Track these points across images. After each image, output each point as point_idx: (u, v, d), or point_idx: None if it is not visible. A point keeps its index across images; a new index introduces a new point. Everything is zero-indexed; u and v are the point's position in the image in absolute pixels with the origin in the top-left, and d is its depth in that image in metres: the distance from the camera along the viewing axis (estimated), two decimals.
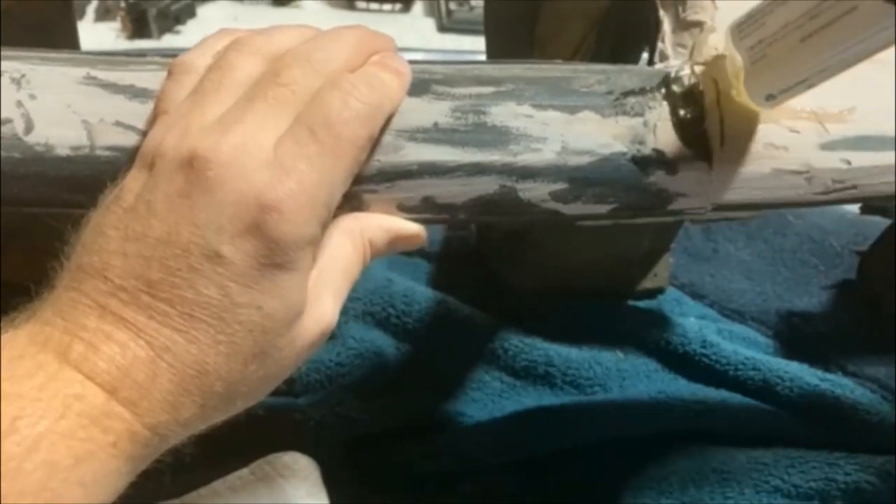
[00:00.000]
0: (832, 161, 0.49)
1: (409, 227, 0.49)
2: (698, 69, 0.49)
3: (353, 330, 0.89)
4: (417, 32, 1.60)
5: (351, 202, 0.47)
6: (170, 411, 0.41)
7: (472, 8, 1.66)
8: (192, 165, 0.42)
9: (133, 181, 0.44)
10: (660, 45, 0.51)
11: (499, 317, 0.92)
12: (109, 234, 0.42)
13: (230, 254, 0.41)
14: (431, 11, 1.74)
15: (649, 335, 0.92)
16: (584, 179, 0.48)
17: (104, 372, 0.40)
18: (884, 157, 0.49)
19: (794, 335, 0.94)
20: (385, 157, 0.46)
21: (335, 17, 1.53)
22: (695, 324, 0.93)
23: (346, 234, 0.47)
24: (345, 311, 0.89)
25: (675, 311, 0.95)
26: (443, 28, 1.63)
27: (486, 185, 0.48)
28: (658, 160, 0.48)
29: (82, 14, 1.53)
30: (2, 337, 0.41)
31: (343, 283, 0.47)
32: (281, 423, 0.85)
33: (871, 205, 0.78)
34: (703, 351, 0.90)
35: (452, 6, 1.66)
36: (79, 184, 0.47)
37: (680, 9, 0.51)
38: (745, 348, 0.92)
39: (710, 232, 1.02)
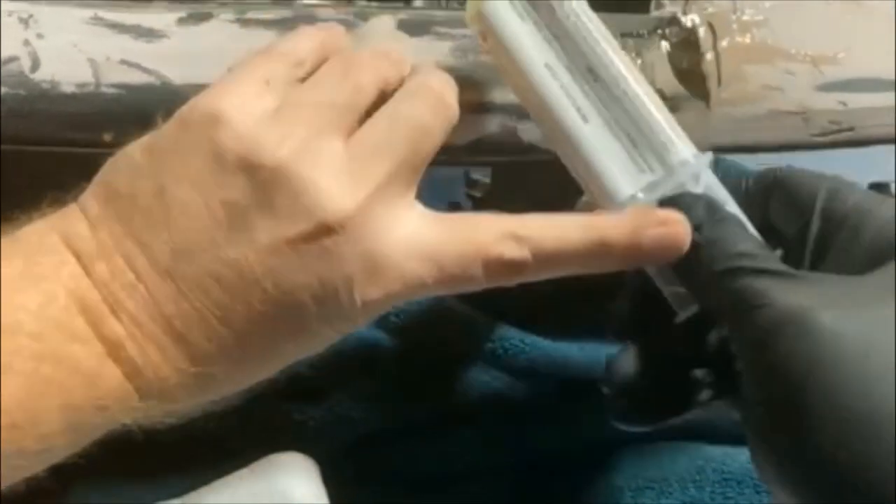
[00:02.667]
0: (828, 102, 0.50)
1: None
2: (694, 13, 0.50)
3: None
4: None
5: None
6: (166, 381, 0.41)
7: None
8: (260, 172, 0.40)
9: (228, 178, 0.40)
10: None
11: (499, 317, 0.92)
12: (189, 234, 0.40)
13: (312, 318, 0.41)
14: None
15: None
16: None
17: (142, 378, 0.39)
18: (879, 99, 0.50)
19: None
20: None
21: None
22: None
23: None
24: None
25: None
26: None
27: (488, 125, 0.49)
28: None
29: None
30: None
31: None
32: (281, 423, 0.85)
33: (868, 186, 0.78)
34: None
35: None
36: (83, 121, 0.47)
37: None
38: None
39: None
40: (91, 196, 0.41)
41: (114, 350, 0.39)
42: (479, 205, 0.85)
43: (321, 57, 0.44)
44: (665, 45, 0.49)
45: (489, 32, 0.45)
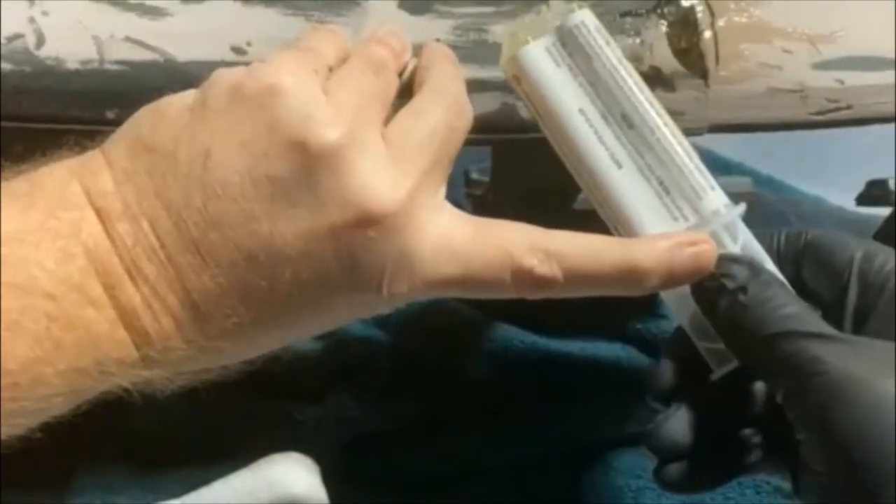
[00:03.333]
0: (825, 80, 0.50)
1: None
2: None
3: (352, 329, 0.89)
4: None
5: None
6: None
7: None
8: (304, 153, 0.39)
9: (242, 110, 0.40)
10: None
11: (498, 316, 0.92)
12: (224, 205, 0.39)
13: (322, 260, 0.39)
14: None
15: (649, 335, 0.92)
16: None
17: (150, 345, 0.39)
18: (876, 77, 0.50)
19: None
20: None
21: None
22: None
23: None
24: None
25: None
26: None
27: (488, 103, 0.49)
28: (656, 77, 0.49)
29: None
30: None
31: None
32: (281, 423, 0.85)
33: (869, 194, 0.78)
34: None
35: None
36: (87, 98, 0.48)
37: None
38: None
39: None
40: (120, 147, 0.40)
41: (127, 318, 0.38)
42: (480, 202, 0.85)
43: (343, 55, 0.44)
44: (663, 24, 0.50)
45: (524, 77, 0.45)
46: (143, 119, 0.40)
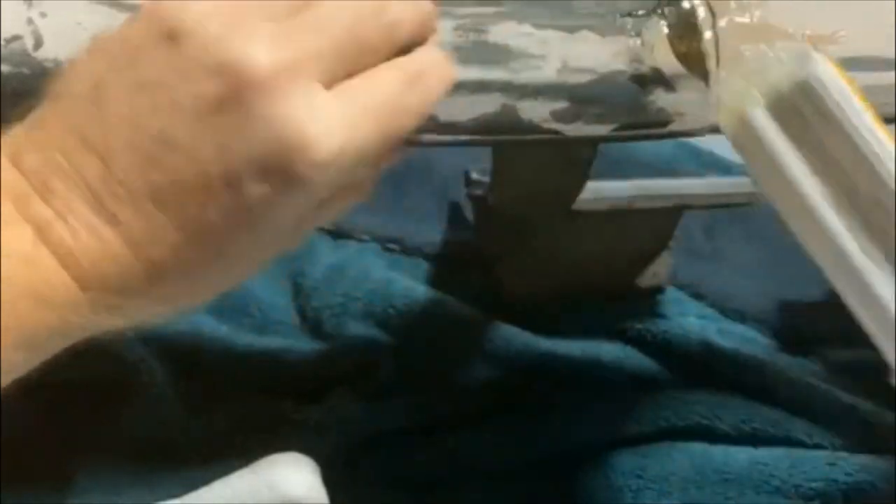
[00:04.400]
0: None
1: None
2: None
3: (353, 330, 0.89)
4: None
5: None
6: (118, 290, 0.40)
7: None
8: (232, 77, 0.38)
9: (153, 51, 0.40)
10: None
11: (499, 317, 0.92)
12: (117, 110, 0.39)
13: (252, 191, 0.39)
14: None
15: (649, 335, 0.92)
16: (584, 97, 0.49)
17: (79, 266, 0.39)
18: (877, 78, 0.50)
19: (794, 335, 0.94)
20: None
21: None
22: (695, 324, 0.92)
23: None
24: (345, 311, 0.90)
25: (675, 311, 0.95)
26: None
27: (488, 104, 0.49)
28: (657, 78, 0.49)
29: None
30: None
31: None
32: (281, 423, 0.85)
33: None
34: (704, 351, 0.90)
35: None
36: None
37: None
38: (746, 348, 0.92)
39: (711, 231, 1.03)
40: (38, 109, 0.41)
41: (43, 232, 0.38)
42: (480, 202, 0.85)
43: None
44: (664, 25, 0.50)
45: (749, 139, 0.44)
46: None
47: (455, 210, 0.96)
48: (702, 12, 0.50)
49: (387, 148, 0.43)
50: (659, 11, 0.50)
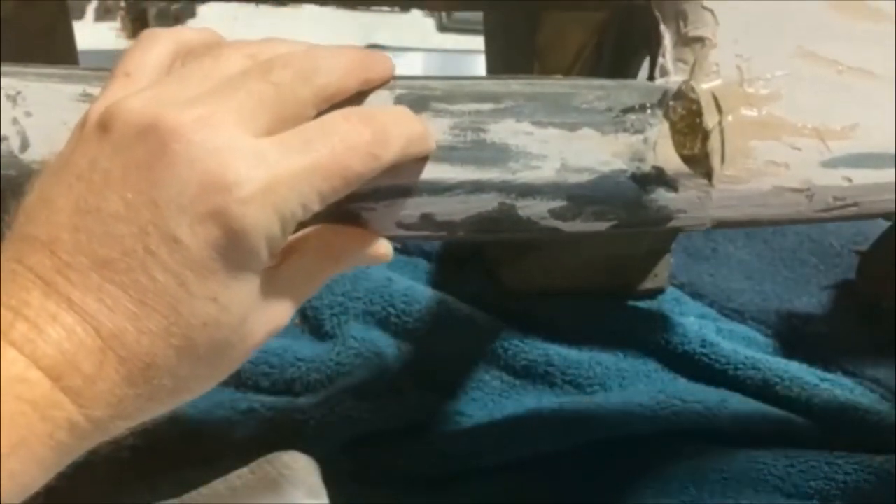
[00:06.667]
0: (833, 178, 0.49)
1: (382, 248, 0.48)
2: (699, 86, 0.49)
3: (353, 330, 0.89)
4: (417, 32, 1.58)
5: (349, 219, 0.47)
6: (114, 404, 0.39)
7: None
8: (156, 134, 0.39)
9: (86, 145, 0.41)
10: (660, 59, 0.50)
11: (499, 317, 0.92)
12: (59, 205, 0.40)
13: (189, 240, 0.39)
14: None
15: (649, 335, 0.92)
16: (583, 197, 0.48)
17: (48, 357, 0.38)
18: (886, 175, 0.49)
19: (794, 335, 0.94)
20: (384, 175, 0.46)
21: (335, 16, 1.52)
22: (695, 323, 0.93)
23: (319, 245, 0.46)
24: (345, 311, 0.90)
25: (675, 310, 0.95)
26: (443, 28, 1.60)
27: (486, 203, 0.48)
28: (658, 177, 0.48)
29: (82, 14, 1.51)
30: None
31: (305, 289, 0.46)
32: (281, 422, 0.85)
33: None
34: (703, 351, 0.90)
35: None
36: None
37: (681, 23, 0.51)
38: (745, 348, 0.92)
39: (710, 232, 1.02)
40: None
41: (7, 334, 0.38)
42: None
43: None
44: (668, 121, 0.48)
45: None
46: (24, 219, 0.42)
47: None
48: (708, 107, 0.48)
49: (337, 188, 0.42)
50: (663, 105, 0.49)
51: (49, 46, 0.59)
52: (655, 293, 0.94)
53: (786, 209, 0.49)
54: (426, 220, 0.48)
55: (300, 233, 0.45)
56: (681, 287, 0.97)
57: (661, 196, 0.48)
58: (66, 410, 0.38)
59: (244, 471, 0.75)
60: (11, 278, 0.39)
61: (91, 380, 0.39)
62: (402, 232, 0.48)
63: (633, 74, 0.67)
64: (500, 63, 0.77)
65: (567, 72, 0.68)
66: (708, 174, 0.48)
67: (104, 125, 0.41)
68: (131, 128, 0.40)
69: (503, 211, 0.48)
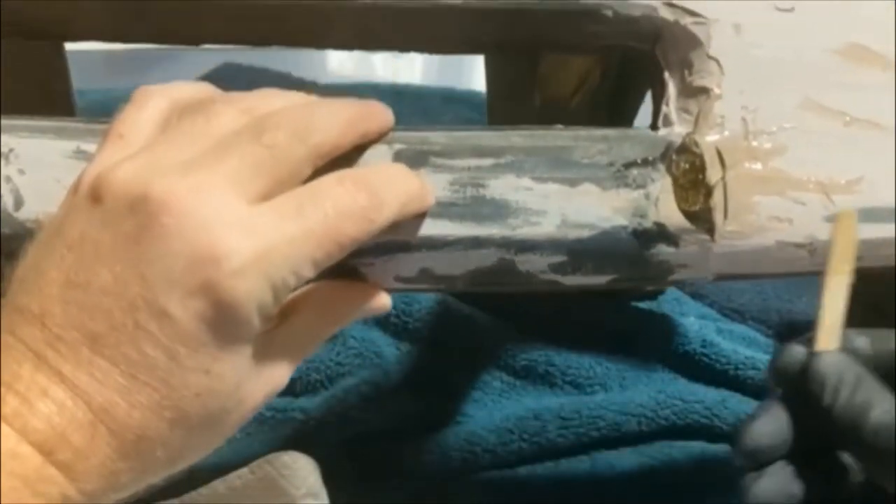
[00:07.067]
0: None
1: (382, 300, 0.48)
2: (703, 140, 0.48)
3: (353, 330, 0.89)
4: None
5: (347, 274, 0.46)
6: (106, 476, 0.39)
7: None
8: (146, 207, 0.39)
9: (78, 214, 0.41)
10: (664, 108, 0.49)
11: (499, 317, 0.92)
12: (50, 276, 0.40)
13: (179, 314, 0.39)
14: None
15: (650, 335, 0.91)
16: (583, 252, 0.48)
17: (39, 432, 0.38)
18: (887, 230, 0.48)
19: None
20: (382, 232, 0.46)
21: None
22: (695, 323, 0.92)
23: (319, 303, 0.46)
24: None
25: (675, 310, 0.94)
26: None
27: (485, 258, 0.47)
28: (659, 233, 0.47)
29: None
30: None
31: (303, 349, 0.46)
32: (281, 422, 0.85)
33: None
34: (703, 350, 0.90)
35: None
36: None
37: (686, 72, 0.50)
38: (745, 348, 0.92)
39: None
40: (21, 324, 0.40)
41: (9, 421, 0.38)
42: None
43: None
44: (670, 176, 0.48)
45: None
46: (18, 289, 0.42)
47: None
48: (712, 162, 0.48)
49: (331, 254, 0.42)
50: (666, 160, 0.48)
51: (45, 88, 0.58)
52: (655, 293, 0.94)
53: (787, 264, 0.49)
54: (425, 273, 0.48)
55: (298, 291, 0.45)
56: (681, 287, 0.96)
57: (662, 251, 0.48)
58: (58, 485, 0.38)
59: (244, 471, 0.75)
60: (5, 351, 0.39)
61: (82, 453, 0.39)
62: (400, 285, 0.48)
63: (636, 102, 0.66)
64: (501, 86, 0.76)
65: (569, 98, 0.67)
66: (710, 230, 0.48)
67: (95, 195, 0.41)
68: (121, 200, 0.40)
69: (502, 266, 0.48)
